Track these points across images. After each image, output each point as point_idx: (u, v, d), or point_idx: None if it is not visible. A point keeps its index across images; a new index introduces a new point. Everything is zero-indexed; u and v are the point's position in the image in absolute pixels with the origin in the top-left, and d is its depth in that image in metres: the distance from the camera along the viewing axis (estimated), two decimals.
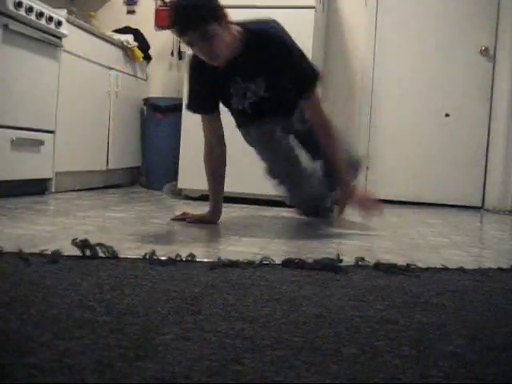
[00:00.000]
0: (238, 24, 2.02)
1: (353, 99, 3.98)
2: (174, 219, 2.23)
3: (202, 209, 2.74)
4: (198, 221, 2.19)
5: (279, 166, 2.20)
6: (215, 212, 2.23)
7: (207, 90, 2.10)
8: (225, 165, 2.23)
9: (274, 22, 2.06)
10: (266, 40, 2.00)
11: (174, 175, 3.45)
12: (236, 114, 2.21)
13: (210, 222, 2.20)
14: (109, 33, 3.81)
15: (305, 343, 0.83)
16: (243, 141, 2.28)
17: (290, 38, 2.04)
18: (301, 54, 2.08)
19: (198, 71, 2.07)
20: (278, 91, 2.10)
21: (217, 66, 1.97)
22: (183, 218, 2.21)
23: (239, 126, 2.27)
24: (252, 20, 2.08)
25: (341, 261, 1.45)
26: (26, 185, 2.85)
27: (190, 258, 1.40)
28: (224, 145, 2.21)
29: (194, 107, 2.15)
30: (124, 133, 3.87)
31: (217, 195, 2.23)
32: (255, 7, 3.02)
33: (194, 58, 2.06)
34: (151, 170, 3.99)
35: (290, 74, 2.06)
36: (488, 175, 3.89)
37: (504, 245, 2.20)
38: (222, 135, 2.19)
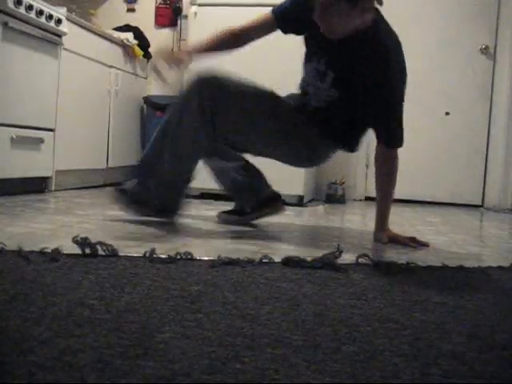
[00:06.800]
0: (378, 22, 1.95)
1: None
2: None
3: (201, 208, 2.73)
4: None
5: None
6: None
7: (301, 21, 1.95)
8: (227, 47, 2.09)
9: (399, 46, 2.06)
10: (377, 44, 1.93)
11: None
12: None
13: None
14: (109, 31, 3.80)
15: (304, 341, 0.83)
16: None
17: (401, 62, 2.05)
18: (400, 88, 2.06)
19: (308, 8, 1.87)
20: (347, 93, 1.99)
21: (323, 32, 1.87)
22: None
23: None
24: (391, 30, 2.05)
25: (340, 252, 1.45)
26: (26, 183, 2.85)
27: (189, 256, 1.40)
28: (238, 43, 2.08)
29: (281, 13, 2.00)
30: (124, 131, 3.87)
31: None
32: (255, 5, 3.01)
33: None
34: None
35: (374, 91, 1.98)
36: (488, 173, 3.89)
37: (504, 243, 2.20)
38: (244, 43, 2.08)
